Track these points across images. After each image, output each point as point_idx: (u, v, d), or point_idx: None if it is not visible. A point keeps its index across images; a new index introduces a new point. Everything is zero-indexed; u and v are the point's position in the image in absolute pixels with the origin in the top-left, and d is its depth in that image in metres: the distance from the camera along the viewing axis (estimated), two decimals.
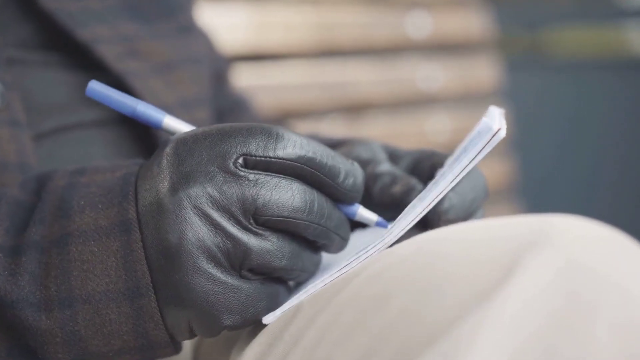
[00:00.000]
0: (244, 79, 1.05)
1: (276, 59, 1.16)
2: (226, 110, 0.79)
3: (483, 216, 0.55)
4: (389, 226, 0.47)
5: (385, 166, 0.54)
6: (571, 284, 0.36)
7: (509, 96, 1.40)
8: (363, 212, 0.48)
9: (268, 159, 0.44)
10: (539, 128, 1.86)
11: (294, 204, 0.44)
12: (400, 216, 0.47)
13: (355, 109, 1.24)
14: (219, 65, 0.81)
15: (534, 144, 1.73)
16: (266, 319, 0.45)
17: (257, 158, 0.44)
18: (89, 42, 0.62)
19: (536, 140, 1.80)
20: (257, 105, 0.86)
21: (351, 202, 0.47)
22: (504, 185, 1.33)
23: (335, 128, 1.19)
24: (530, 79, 1.81)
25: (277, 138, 0.44)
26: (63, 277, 0.44)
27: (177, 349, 0.46)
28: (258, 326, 0.46)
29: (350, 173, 0.46)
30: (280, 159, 0.44)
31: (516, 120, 1.32)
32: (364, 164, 0.54)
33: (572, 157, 1.95)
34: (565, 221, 0.40)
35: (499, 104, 1.39)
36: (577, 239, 0.38)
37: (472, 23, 1.37)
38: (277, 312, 0.45)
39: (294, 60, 1.18)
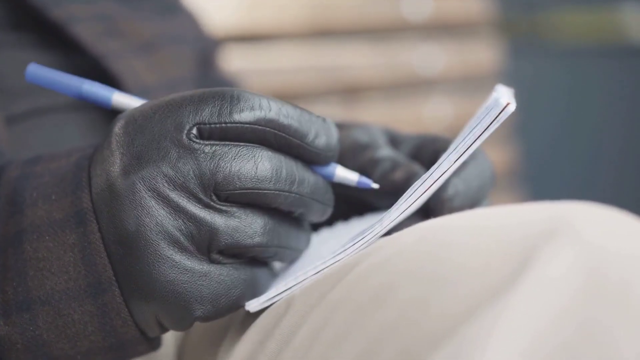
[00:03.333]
0: (233, 61, 1.02)
1: (268, 40, 1.14)
2: None
3: (489, 205, 0.51)
4: (377, 218, 0.43)
5: (385, 151, 0.51)
6: (594, 273, 0.33)
7: (510, 80, 1.38)
8: (341, 172, 0.44)
9: (224, 125, 0.40)
10: (539, 113, 1.84)
11: (257, 173, 0.40)
12: (399, 199, 0.43)
13: (351, 92, 1.22)
14: (206, 46, 0.78)
15: (534, 130, 1.71)
16: (250, 306, 0.42)
17: (212, 126, 0.40)
18: (64, 21, 0.59)
19: (536, 125, 1.78)
20: (246, 87, 0.83)
21: (326, 163, 0.44)
22: (506, 172, 1.32)
23: (329, 113, 1.16)
24: (529, 63, 1.79)
25: (232, 101, 0.41)
26: (19, 278, 0.41)
27: (153, 345, 0.44)
28: (246, 320, 0.44)
29: (322, 131, 0.43)
30: (237, 123, 0.40)
31: (517, 106, 1.29)
32: (362, 148, 0.51)
33: (572, 142, 1.95)
34: (582, 207, 0.36)
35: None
36: (597, 225, 0.35)
37: (472, 4, 1.35)
38: (262, 299, 0.42)
39: (286, 41, 1.15)
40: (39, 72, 0.45)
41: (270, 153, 0.41)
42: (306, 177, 0.42)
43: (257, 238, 0.41)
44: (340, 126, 0.54)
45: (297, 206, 0.42)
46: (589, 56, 1.91)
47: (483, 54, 1.37)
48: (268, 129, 0.41)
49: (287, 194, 0.41)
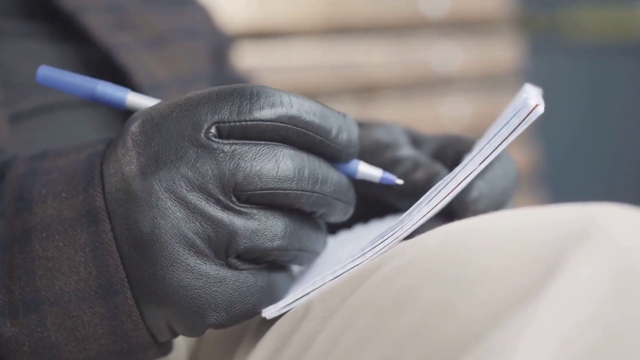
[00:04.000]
0: (245, 58, 1.02)
1: (281, 37, 1.13)
2: None
3: (513, 207, 0.51)
4: (398, 220, 0.42)
5: (406, 150, 0.50)
6: (626, 273, 0.32)
7: (529, 78, 1.37)
8: (364, 169, 0.43)
9: (244, 122, 0.39)
10: (558, 112, 1.84)
11: (279, 173, 0.39)
12: (421, 199, 0.42)
13: (366, 91, 1.21)
14: (219, 42, 0.77)
15: (554, 128, 1.70)
16: (267, 313, 0.41)
17: (232, 124, 0.39)
18: (75, 11, 0.58)
19: (556, 124, 1.77)
20: None
21: (348, 159, 0.43)
22: (526, 174, 1.31)
23: (345, 111, 1.15)
24: (548, 60, 1.78)
25: (252, 98, 0.39)
26: (27, 277, 0.40)
27: (164, 350, 0.43)
28: (262, 326, 0.43)
29: (344, 126, 0.42)
30: (257, 120, 0.39)
31: None
32: (383, 147, 0.50)
33: (592, 141, 1.97)
34: (610, 209, 0.35)
35: (520, 86, 1.36)
36: (627, 226, 0.34)
37: (490, 0, 1.34)
38: (280, 305, 0.41)
39: (300, 38, 1.15)
40: (51, 73, 0.44)
41: (292, 151, 0.40)
42: (329, 176, 0.41)
43: (278, 241, 0.40)
44: (361, 125, 0.53)
45: (320, 206, 0.41)
46: (608, 53, 1.92)
47: (502, 51, 1.36)
48: (290, 126, 0.40)
49: (310, 193, 0.40)
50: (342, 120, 0.42)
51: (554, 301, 0.31)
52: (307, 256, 0.42)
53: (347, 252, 0.44)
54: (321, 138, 0.41)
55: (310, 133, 0.40)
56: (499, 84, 1.33)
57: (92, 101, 0.58)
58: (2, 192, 0.42)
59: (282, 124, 0.40)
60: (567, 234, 0.34)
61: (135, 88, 0.58)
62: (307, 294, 0.41)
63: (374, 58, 1.21)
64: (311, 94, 1.13)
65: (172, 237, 0.39)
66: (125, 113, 0.58)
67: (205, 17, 0.75)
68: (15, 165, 0.43)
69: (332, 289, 0.40)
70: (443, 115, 1.28)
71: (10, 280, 0.40)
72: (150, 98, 0.44)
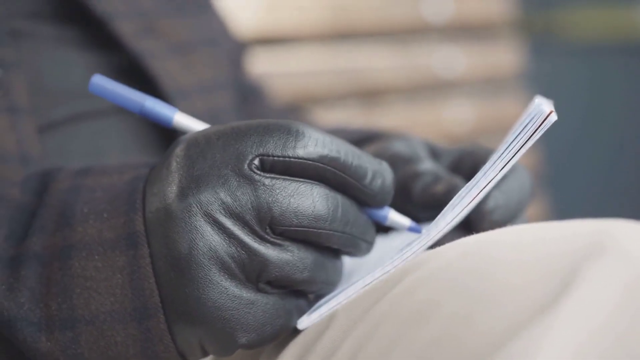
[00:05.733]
0: (252, 63, 1.01)
1: (287, 43, 1.13)
2: (241, 98, 0.75)
3: (526, 219, 0.51)
4: (424, 230, 0.43)
5: (427, 164, 0.51)
6: (637, 292, 0.33)
7: (532, 81, 1.37)
8: (394, 216, 0.44)
9: (287, 159, 0.40)
10: (558, 112, 1.84)
11: (314, 212, 0.40)
12: (439, 216, 0.43)
13: (371, 95, 1.21)
14: (235, 49, 0.77)
15: (554, 129, 1.70)
16: (301, 324, 0.42)
17: (275, 158, 0.40)
18: (107, 16, 0.58)
19: (556, 125, 1.77)
20: (271, 93, 0.83)
21: (380, 205, 0.43)
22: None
23: (349, 116, 1.16)
24: (546, 61, 1.77)
25: (297, 136, 0.40)
26: (65, 294, 0.41)
27: None
28: (286, 336, 0.44)
29: (379, 173, 0.42)
30: (300, 158, 0.40)
31: None
32: (404, 161, 0.51)
33: (592, 141, 1.95)
34: (623, 224, 0.36)
35: (522, 90, 1.36)
36: None
37: (492, 5, 1.34)
38: (314, 316, 0.42)
39: (305, 43, 1.15)
40: (103, 83, 0.44)
41: (328, 192, 0.41)
42: (359, 218, 0.42)
43: (307, 273, 0.41)
44: (381, 137, 0.54)
45: (347, 246, 0.42)
46: (607, 54, 1.91)
47: (504, 55, 1.36)
48: (329, 167, 0.40)
49: (340, 234, 0.41)
50: (377, 167, 0.42)
51: (570, 313, 0.32)
52: (330, 288, 0.43)
53: (372, 262, 0.45)
54: (356, 182, 0.41)
55: (347, 176, 0.41)
56: (501, 88, 1.33)
57: (120, 109, 0.58)
58: (46, 206, 0.43)
59: (322, 165, 0.40)
60: (582, 247, 0.35)
61: (162, 94, 0.58)
62: (340, 302, 0.42)
63: (377, 63, 1.21)
64: (316, 99, 1.14)
65: (208, 259, 0.39)
66: (152, 124, 0.58)
67: (223, 24, 0.76)
68: (59, 178, 0.44)
69: (355, 299, 0.41)
70: (446, 119, 1.28)
71: (48, 296, 0.41)
72: (196, 120, 0.44)
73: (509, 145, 0.43)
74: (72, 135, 0.57)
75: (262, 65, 1.06)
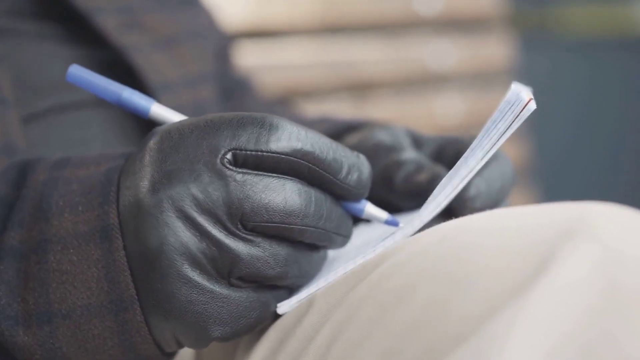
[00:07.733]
0: (243, 56, 1.01)
1: (278, 36, 1.13)
2: (228, 91, 0.75)
3: (509, 205, 0.51)
4: (401, 223, 0.43)
5: (409, 153, 0.51)
6: (612, 275, 0.33)
7: (521, 74, 1.37)
8: (371, 210, 0.44)
9: (260, 153, 0.40)
10: (550, 108, 1.84)
11: (286, 208, 0.40)
12: (423, 207, 0.43)
13: (362, 88, 1.21)
14: (221, 42, 0.77)
15: (546, 125, 1.70)
16: (280, 308, 0.42)
17: (247, 153, 0.40)
18: (89, 12, 0.58)
19: (548, 120, 1.77)
20: (258, 86, 0.83)
21: (356, 199, 0.43)
22: (519, 168, 1.31)
23: (340, 109, 1.16)
24: (539, 56, 1.78)
25: (271, 129, 0.40)
26: (41, 289, 0.41)
27: (170, 357, 0.44)
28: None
29: (355, 167, 0.42)
30: (273, 153, 0.40)
31: None
32: (386, 150, 0.51)
33: (584, 136, 1.95)
34: (602, 208, 0.36)
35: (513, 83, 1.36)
36: (617, 227, 0.35)
37: None
38: (293, 300, 0.42)
39: (296, 37, 1.14)
40: (80, 73, 0.45)
41: (300, 187, 0.40)
42: (333, 212, 0.42)
43: (279, 269, 0.41)
44: (364, 126, 0.54)
45: (321, 240, 0.42)
46: (601, 49, 1.91)
47: (495, 49, 1.36)
48: (303, 161, 0.40)
49: (313, 229, 0.41)
50: (354, 160, 0.42)
51: (543, 294, 0.32)
52: (305, 280, 0.43)
53: (353, 249, 0.45)
54: (331, 177, 0.41)
55: (321, 171, 0.41)
56: (492, 82, 1.33)
57: (102, 101, 0.58)
58: (24, 198, 0.42)
59: (295, 159, 0.40)
60: (557, 232, 0.35)
61: (146, 88, 0.58)
62: (320, 288, 0.42)
63: (368, 56, 1.21)
64: (307, 92, 1.14)
65: (180, 254, 0.39)
66: (133, 115, 0.58)
67: (209, 18, 0.76)
68: (37, 169, 0.44)
69: (334, 284, 0.42)
70: (437, 112, 1.28)
71: (25, 290, 0.41)
72: (173, 112, 0.44)
73: (489, 132, 0.43)
74: (54, 126, 0.57)
75: (252, 59, 1.06)
